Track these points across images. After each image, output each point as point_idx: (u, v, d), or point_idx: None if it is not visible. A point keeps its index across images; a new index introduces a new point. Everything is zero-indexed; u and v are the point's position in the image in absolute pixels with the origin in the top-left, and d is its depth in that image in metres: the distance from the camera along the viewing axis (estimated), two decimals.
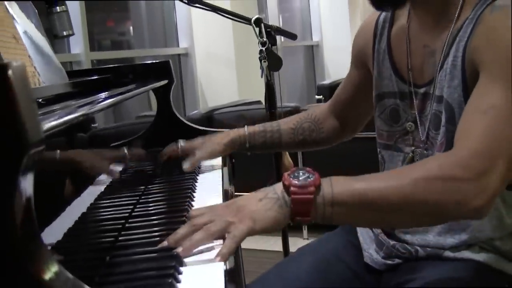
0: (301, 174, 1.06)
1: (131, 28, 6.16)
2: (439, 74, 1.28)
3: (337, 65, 8.47)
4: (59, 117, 0.88)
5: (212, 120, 3.90)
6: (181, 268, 0.90)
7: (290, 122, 1.73)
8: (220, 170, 1.61)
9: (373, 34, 1.51)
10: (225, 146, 1.64)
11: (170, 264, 0.89)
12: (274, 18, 7.57)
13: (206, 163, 1.69)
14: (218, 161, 1.69)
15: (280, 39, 7.41)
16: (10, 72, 0.57)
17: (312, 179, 1.05)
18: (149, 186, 1.49)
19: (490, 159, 1.05)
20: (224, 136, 1.67)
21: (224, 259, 0.93)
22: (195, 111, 4.44)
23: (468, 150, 1.08)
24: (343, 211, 1.05)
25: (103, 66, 1.99)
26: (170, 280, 0.83)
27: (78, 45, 4.54)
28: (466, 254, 1.30)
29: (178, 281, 0.85)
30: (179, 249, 0.95)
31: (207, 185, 1.48)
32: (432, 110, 1.31)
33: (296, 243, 2.19)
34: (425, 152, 1.34)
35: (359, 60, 1.59)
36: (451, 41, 1.25)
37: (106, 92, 1.47)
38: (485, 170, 1.04)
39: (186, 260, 0.93)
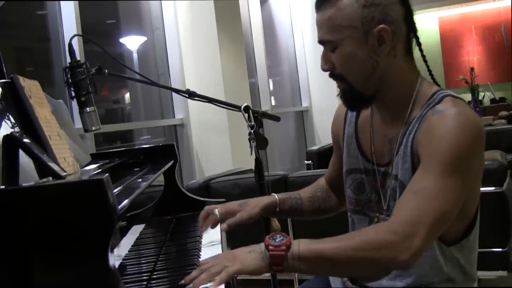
0: (277, 237, 1.48)
1: (125, 96, 6.35)
2: (396, 158, 1.68)
3: (326, 129, 8.57)
4: (125, 199, 1.31)
5: (210, 189, 4.18)
6: None
7: (307, 191, 2.09)
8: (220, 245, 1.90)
9: (344, 120, 1.91)
10: (261, 210, 1.90)
11: None
12: (264, 83, 7.86)
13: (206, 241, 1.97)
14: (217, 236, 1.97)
15: (271, 104, 7.81)
16: (105, 181, 0.98)
17: (284, 240, 1.46)
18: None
19: (414, 227, 1.46)
20: (259, 202, 1.93)
21: (216, 285, 1.36)
22: (193, 181, 4.69)
23: (397, 220, 1.49)
24: (306, 265, 1.47)
25: (121, 149, 2.39)
26: None
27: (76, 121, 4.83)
28: None
29: None
30: (191, 285, 1.40)
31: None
32: (391, 185, 1.71)
33: None
34: (387, 218, 1.72)
35: (336, 143, 1.99)
36: (404, 133, 1.67)
37: (140, 173, 1.88)
38: (409, 235, 1.45)
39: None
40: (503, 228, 3.84)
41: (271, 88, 8.28)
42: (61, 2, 4.82)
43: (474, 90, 11.39)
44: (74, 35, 2.14)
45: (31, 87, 1.66)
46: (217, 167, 5.71)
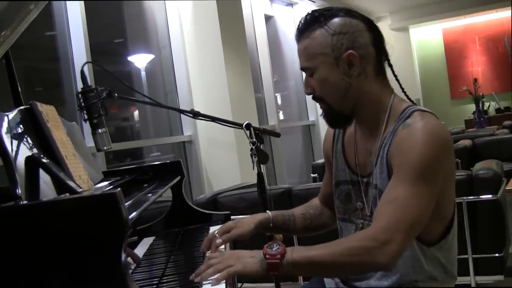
0: (274, 246, 1.66)
1: (134, 113, 6.44)
2: (375, 169, 1.85)
3: None
4: (134, 211, 1.51)
5: (217, 203, 4.31)
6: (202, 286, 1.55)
7: (300, 209, 2.26)
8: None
9: (333, 138, 2.08)
10: (255, 226, 2.06)
11: (196, 283, 1.60)
12: (270, 98, 7.98)
13: None
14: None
15: (278, 119, 7.94)
16: (118, 195, 1.13)
17: (279, 249, 1.65)
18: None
19: (391, 233, 1.63)
20: (254, 219, 2.10)
21: (218, 281, 1.57)
22: (201, 196, 4.79)
23: (376, 227, 1.67)
24: (299, 269, 1.67)
25: (130, 167, 2.53)
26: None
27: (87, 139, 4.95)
28: None
29: None
30: (198, 278, 1.61)
31: None
32: (373, 194, 1.87)
33: None
34: (370, 223, 1.87)
35: (327, 160, 2.16)
36: (380, 146, 1.84)
37: (149, 189, 2.06)
38: (387, 241, 1.63)
39: (204, 282, 1.61)
40: (499, 234, 3.98)
41: (279, 103, 8.39)
42: (69, 22, 4.94)
43: (477, 101, 11.51)
44: (86, 62, 2.29)
45: (48, 112, 1.82)
46: (225, 182, 5.81)
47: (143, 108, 6.38)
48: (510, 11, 11.34)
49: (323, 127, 9.30)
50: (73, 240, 1.20)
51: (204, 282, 1.60)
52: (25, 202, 1.38)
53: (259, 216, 2.13)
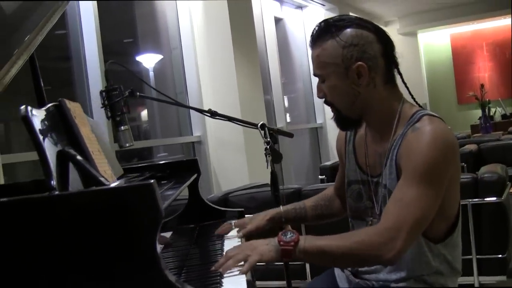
0: (288, 234, 1.79)
1: (142, 113, 6.53)
2: (384, 170, 1.95)
3: None
4: (164, 202, 1.58)
5: (228, 202, 4.40)
6: (223, 279, 1.65)
7: (311, 201, 2.41)
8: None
9: (344, 140, 2.18)
10: (267, 221, 2.26)
11: (217, 274, 1.69)
12: (279, 101, 8.09)
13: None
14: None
15: (286, 121, 8.00)
16: (154, 185, 1.22)
17: (293, 237, 1.77)
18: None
19: (396, 231, 1.76)
20: (266, 214, 2.28)
21: (243, 272, 1.67)
22: (212, 195, 4.87)
23: (383, 225, 1.80)
24: (310, 257, 1.81)
25: (148, 164, 2.63)
26: (218, 281, 1.62)
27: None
28: (404, 284, 1.96)
29: (222, 284, 1.59)
30: (220, 269, 1.71)
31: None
32: (382, 193, 1.97)
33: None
34: (379, 221, 1.96)
35: (340, 157, 2.27)
36: (390, 148, 1.95)
37: (169, 185, 2.21)
38: (392, 238, 1.75)
39: (225, 274, 1.69)
40: (503, 236, 4.08)
41: (286, 105, 8.46)
42: (82, 21, 5.01)
43: (484, 106, 11.59)
44: (110, 62, 2.37)
45: (75, 109, 1.91)
46: (234, 183, 5.89)
47: (151, 108, 6.46)
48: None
49: (331, 130, 9.41)
50: (111, 229, 1.30)
51: (225, 275, 1.69)
52: (68, 191, 1.49)
53: (271, 212, 2.29)
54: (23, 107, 1.51)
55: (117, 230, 1.29)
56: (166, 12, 6.49)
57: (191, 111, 6.32)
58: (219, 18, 6.28)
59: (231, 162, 6.36)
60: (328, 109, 2.05)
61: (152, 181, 1.28)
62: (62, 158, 1.59)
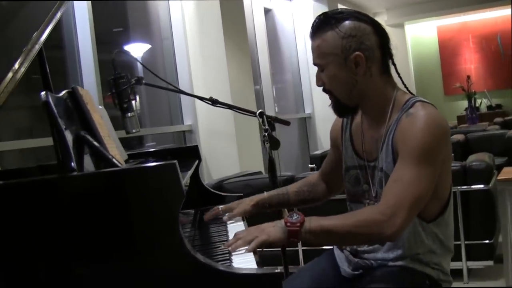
0: (294, 215, 1.88)
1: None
2: (380, 154, 2.06)
3: (328, 135, 8.74)
4: None
5: (223, 189, 4.49)
6: (232, 256, 1.75)
7: (294, 187, 2.53)
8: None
9: (341, 127, 2.28)
10: (253, 206, 2.38)
11: (227, 252, 1.79)
12: (268, 90, 8.13)
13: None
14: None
15: (275, 110, 8.08)
16: (176, 165, 1.31)
17: (299, 218, 1.87)
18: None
19: (396, 209, 1.87)
20: (251, 200, 2.41)
21: (250, 250, 1.77)
22: (206, 183, 4.92)
23: (384, 203, 1.91)
24: (316, 237, 1.89)
25: (150, 150, 2.72)
26: (227, 257, 1.75)
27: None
28: (401, 263, 2.07)
29: (232, 261, 1.69)
30: (230, 248, 1.80)
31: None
32: (378, 177, 2.09)
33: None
34: (375, 203, 2.07)
35: (334, 144, 2.38)
36: (385, 133, 2.06)
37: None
38: (393, 215, 1.86)
39: (233, 253, 1.79)
40: (490, 222, 4.23)
41: (274, 95, 8.53)
42: (75, 11, 5.04)
43: (470, 97, 11.74)
44: (117, 51, 2.45)
45: (86, 96, 1.99)
46: (225, 171, 5.98)
47: (140, 97, 6.37)
48: (510, 11, 11.50)
49: (319, 120, 9.46)
50: (136, 207, 1.41)
51: (234, 253, 1.79)
52: (92, 170, 1.61)
53: (256, 197, 2.43)
54: (43, 93, 1.59)
55: (141, 209, 1.40)
56: (157, 2, 6.51)
57: (182, 100, 6.47)
58: (210, 9, 6.33)
59: (222, 151, 6.42)
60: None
61: (175, 161, 1.37)
62: (79, 141, 1.67)
